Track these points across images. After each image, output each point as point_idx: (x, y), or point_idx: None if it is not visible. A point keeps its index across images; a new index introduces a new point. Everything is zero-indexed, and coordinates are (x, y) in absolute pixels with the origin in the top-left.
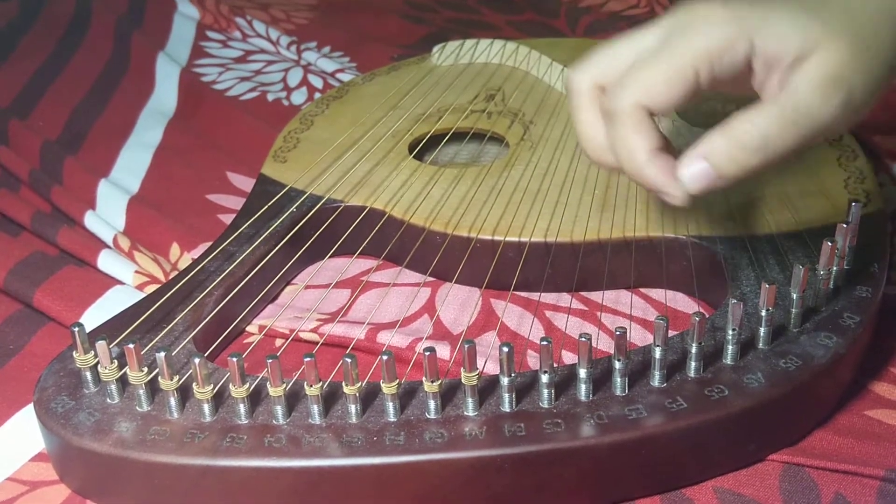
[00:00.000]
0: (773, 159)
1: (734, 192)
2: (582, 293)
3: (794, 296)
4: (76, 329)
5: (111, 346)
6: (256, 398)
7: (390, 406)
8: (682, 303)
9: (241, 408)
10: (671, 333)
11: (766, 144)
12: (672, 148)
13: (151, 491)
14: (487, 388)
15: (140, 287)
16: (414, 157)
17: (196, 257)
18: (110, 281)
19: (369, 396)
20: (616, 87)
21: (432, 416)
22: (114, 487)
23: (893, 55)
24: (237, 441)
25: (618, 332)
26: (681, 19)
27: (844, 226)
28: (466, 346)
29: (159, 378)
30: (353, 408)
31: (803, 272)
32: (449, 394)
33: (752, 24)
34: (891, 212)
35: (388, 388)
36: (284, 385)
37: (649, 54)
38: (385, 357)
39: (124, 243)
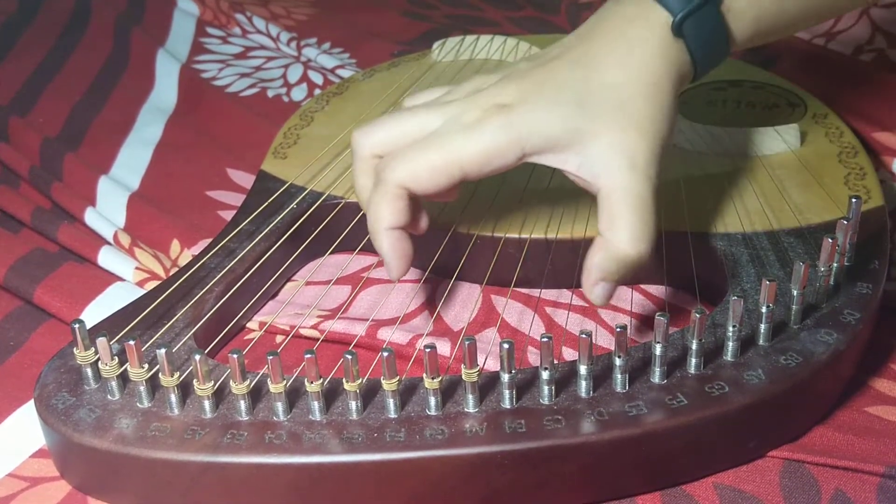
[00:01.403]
0: (654, 241)
1: (733, 188)
2: (582, 290)
3: (795, 292)
4: (77, 326)
5: (112, 343)
6: (257, 395)
7: (391, 402)
8: (683, 299)
9: (242, 404)
10: (671, 330)
11: (647, 239)
12: (421, 226)
13: (152, 487)
14: (488, 384)
15: (140, 283)
16: None
17: (196, 254)
18: (111, 277)
19: (370, 393)
20: (390, 160)
21: (433, 412)
22: (114, 484)
23: (662, 117)
24: (238, 437)
25: (618, 329)
26: (457, 114)
27: (845, 222)
28: (467, 342)
29: (160, 375)
30: (353, 404)
31: (804, 269)
32: (449, 390)
33: (521, 132)
34: (891, 208)
35: (388, 385)
36: (285, 382)
37: (427, 136)
38: (385, 353)
39: (125, 240)
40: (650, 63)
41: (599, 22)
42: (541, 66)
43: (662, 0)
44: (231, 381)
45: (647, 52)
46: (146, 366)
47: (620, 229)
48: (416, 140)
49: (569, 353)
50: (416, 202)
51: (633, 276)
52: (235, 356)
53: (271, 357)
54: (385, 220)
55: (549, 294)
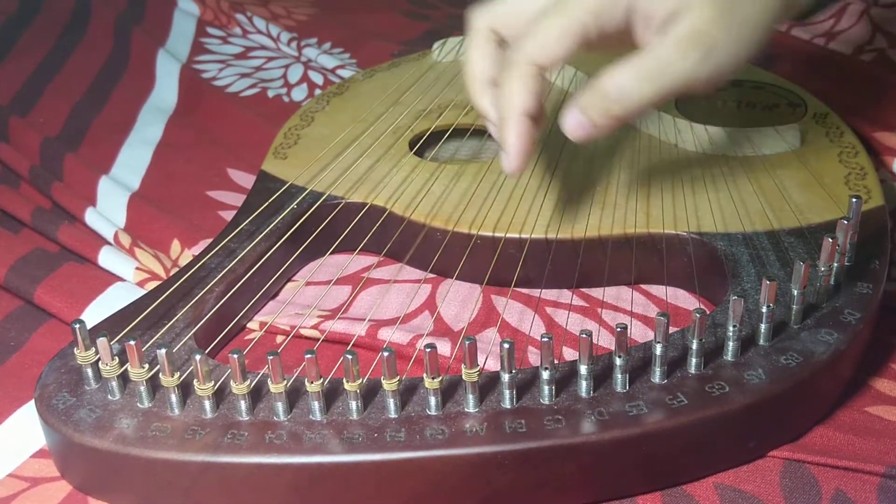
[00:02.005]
0: (636, 109)
1: (733, 188)
2: (583, 290)
3: (795, 292)
4: (77, 326)
5: (112, 343)
6: (257, 395)
7: (391, 402)
8: (683, 299)
9: (242, 404)
10: (672, 330)
11: (623, 95)
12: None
13: (152, 487)
14: (488, 384)
15: (141, 284)
16: (415, 153)
17: (197, 254)
18: (111, 277)
19: (370, 393)
20: (517, 41)
21: (433, 412)
22: (115, 484)
23: (760, 16)
24: (238, 437)
25: (618, 329)
26: None
27: (845, 222)
28: (467, 342)
29: (160, 375)
30: (353, 404)
31: (804, 268)
32: (450, 390)
33: None
34: (891, 208)
35: (388, 385)
36: (285, 382)
37: (545, 11)
38: (386, 354)
39: (125, 240)
40: None
41: None
42: None
43: None
44: (231, 381)
45: None
46: (147, 366)
47: (621, 71)
48: (532, 13)
49: (569, 353)
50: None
51: (612, 118)
52: (236, 356)
53: (272, 357)
54: (520, 102)
55: (549, 294)
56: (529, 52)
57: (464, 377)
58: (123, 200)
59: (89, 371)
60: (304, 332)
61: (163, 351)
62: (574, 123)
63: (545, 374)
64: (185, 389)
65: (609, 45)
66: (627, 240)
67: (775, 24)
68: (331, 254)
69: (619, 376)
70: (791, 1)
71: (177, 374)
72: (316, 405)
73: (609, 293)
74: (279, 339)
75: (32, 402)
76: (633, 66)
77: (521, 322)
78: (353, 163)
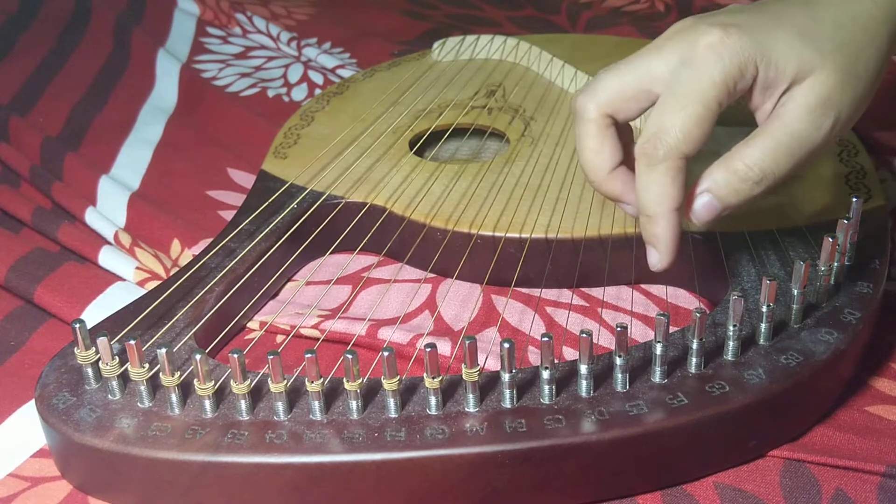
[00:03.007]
0: (773, 185)
1: None
2: (583, 289)
3: (795, 292)
4: (77, 325)
5: (112, 343)
6: (257, 394)
7: (391, 402)
8: (683, 299)
9: (243, 404)
10: (672, 329)
11: (765, 175)
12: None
13: (153, 487)
14: (488, 384)
15: (141, 283)
16: (414, 153)
17: (197, 254)
18: (111, 277)
19: (370, 393)
20: (657, 134)
21: (433, 412)
22: (115, 483)
23: (875, 72)
24: (238, 437)
25: (619, 329)
26: (687, 48)
27: (845, 221)
28: (467, 342)
29: (160, 374)
30: (354, 404)
31: (804, 268)
32: (450, 390)
33: (756, 50)
34: (892, 207)
35: (389, 385)
36: (285, 381)
37: (672, 91)
38: (386, 353)
39: (125, 240)
40: (873, 11)
41: None
42: (753, 6)
43: None
44: (231, 381)
45: (871, 5)
46: (147, 365)
47: (754, 148)
48: (645, 90)
49: (569, 353)
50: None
51: (743, 209)
52: (236, 356)
53: (272, 357)
54: (673, 199)
55: (549, 294)
56: (675, 146)
57: (464, 377)
58: (123, 200)
59: (89, 371)
60: (304, 331)
61: (163, 350)
62: (704, 206)
63: (545, 374)
64: (186, 389)
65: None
66: (627, 239)
67: (885, 69)
68: (331, 253)
69: (620, 376)
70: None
71: (177, 374)
72: (316, 405)
73: (609, 293)
74: (279, 338)
75: (33, 402)
76: (767, 142)
77: (522, 322)
78: (353, 162)
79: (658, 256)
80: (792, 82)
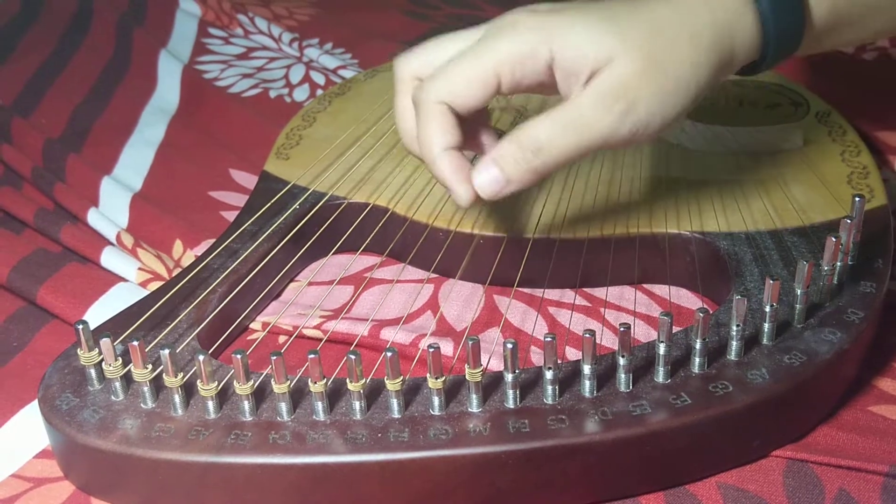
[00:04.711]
0: (555, 163)
1: (736, 187)
2: (585, 289)
3: (799, 291)
4: (80, 326)
5: (115, 344)
6: (260, 395)
7: (394, 402)
8: (686, 299)
9: (246, 405)
10: (675, 329)
11: (543, 149)
12: (484, 144)
13: (156, 488)
14: (491, 384)
15: (143, 284)
16: None
17: (199, 254)
18: (114, 278)
19: (373, 393)
20: (425, 81)
21: (436, 412)
22: (118, 484)
23: (689, 73)
24: (241, 438)
25: (622, 329)
26: (495, 24)
27: (848, 221)
28: (470, 342)
29: (163, 375)
30: (357, 404)
31: (807, 268)
32: (453, 390)
33: (553, 34)
34: (894, 207)
35: (392, 385)
36: (288, 382)
37: (460, 54)
38: (389, 354)
39: (127, 240)
40: (700, 13)
41: None
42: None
43: None
44: (235, 382)
45: (703, 5)
46: (150, 366)
47: (541, 124)
48: (449, 61)
49: (572, 353)
50: (468, 122)
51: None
52: (239, 356)
53: (275, 357)
54: (436, 140)
55: (552, 294)
56: (436, 92)
57: (467, 377)
58: (126, 201)
59: (93, 372)
60: (306, 332)
61: (166, 351)
62: (488, 178)
63: (548, 374)
64: (189, 390)
65: (534, 92)
66: (630, 239)
67: (710, 82)
68: (333, 254)
69: (623, 376)
70: (726, 60)
71: (180, 375)
72: (319, 405)
73: (612, 293)
74: (282, 339)
75: (35, 403)
76: (554, 118)
77: (524, 322)
78: (356, 163)
79: (455, 195)
80: (593, 69)
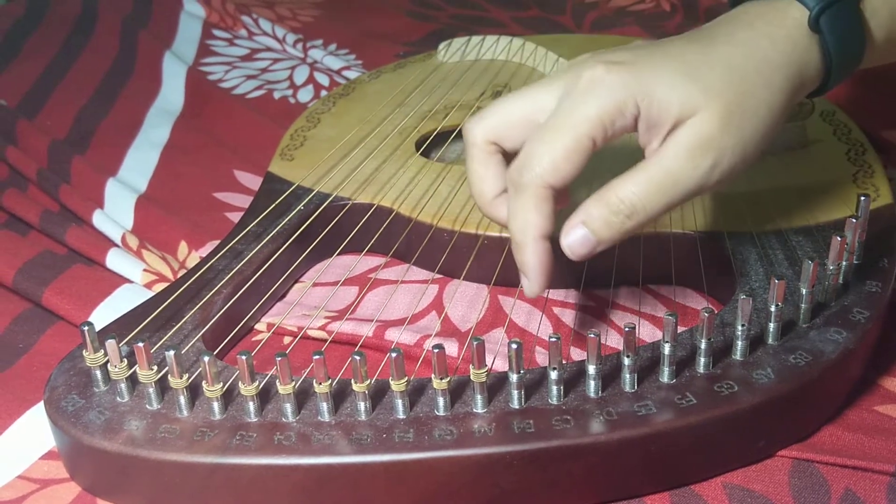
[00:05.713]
0: (646, 220)
1: (741, 185)
2: (590, 290)
3: (804, 291)
4: (86, 328)
5: (121, 345)
6: (266, 396)
7: (399, 403)
8: (691, 299)
9: (251, 406)
10: (680, 329)
11: (636, 210)
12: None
13: (161, 489)
14: (496, 384)
15: (148, 285)
16: (421, 154)
17: (204, 255)
18: (119, 279)
19: (378, 394)
20: (523, 160)
21: (441, 412)
22: (124, 485)
23: (767, 117)
24: (247, 439)
25: (627, 329)
26: (571, 81)
27: (854, 220)
28: (475, 342)
29: (169, 376)
30: (362, 405)
31: (812, 267)
32: (458, 391)
33: (638, 90)
34: None
35: (396, 386)
36: (293, 383)
37: (546, 122)
38: (394, 354)
39: (132, 242)
40: (770, 55)
41: (726, 16)
42: (652, 43)
43: None
44: (240, 383)
45: (771, 45)
46: (155, 368)
47: (629, 182)
48: (530, 120)
49: (577, 354)
50: None
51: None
52: (244, 357)
53: (280, 358)
54: (537, 227)
55: (556, 294)
56: (540, 175)
57: (472, 378)
58: (131, 202)
59: (98, 373)
60: (311, 333)
61: (171, 353)
62: (578, 239)
63: (553, 375)
64: (194, 391)
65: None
66: (635, 239)
67: (783, 120)
68: (338, 255)
69: (628, 376)
70: (796, 97)
71: (185, 376)
72: (324, 406)
73: (617, 293)
74: (287, 340)
75: (41, 404)
76: (642, 177)
77: (529, 322)
78: (360, 164)
79: (528, 284)
80: (677, 121)
